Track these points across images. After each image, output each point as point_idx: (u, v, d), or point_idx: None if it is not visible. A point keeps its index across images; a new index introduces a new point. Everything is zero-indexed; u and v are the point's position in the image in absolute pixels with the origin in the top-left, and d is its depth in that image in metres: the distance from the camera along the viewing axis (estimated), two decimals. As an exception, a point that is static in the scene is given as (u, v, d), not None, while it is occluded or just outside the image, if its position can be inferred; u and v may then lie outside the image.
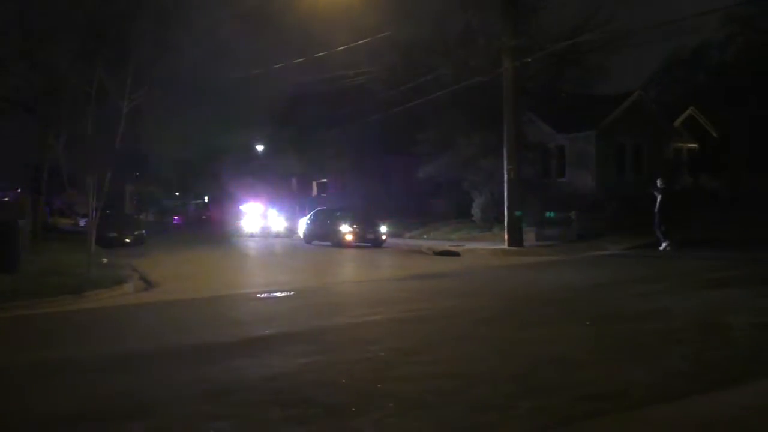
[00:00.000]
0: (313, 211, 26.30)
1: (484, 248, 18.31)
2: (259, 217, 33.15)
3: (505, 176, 17.97)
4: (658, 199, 16.84)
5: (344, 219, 22.93)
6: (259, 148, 46.04)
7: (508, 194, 17.88)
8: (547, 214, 19.99)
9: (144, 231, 26.35)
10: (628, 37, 20.72)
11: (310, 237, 24.72)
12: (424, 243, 21.49)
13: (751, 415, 4.20)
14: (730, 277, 10.81)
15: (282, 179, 43.72)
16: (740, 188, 24.47)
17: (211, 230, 40.03)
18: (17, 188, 35.77)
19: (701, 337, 6.35)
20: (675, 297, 9.02)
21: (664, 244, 16.54)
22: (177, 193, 67.86)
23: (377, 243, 21.95)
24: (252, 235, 31.33)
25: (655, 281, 10.76)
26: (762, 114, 24.49)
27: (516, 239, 17.74)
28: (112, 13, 16.69)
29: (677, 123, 29.26)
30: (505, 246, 17.71)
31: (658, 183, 17.32)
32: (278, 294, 10.64)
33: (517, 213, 19.61)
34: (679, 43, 33.80)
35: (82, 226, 28.26)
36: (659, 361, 5.48)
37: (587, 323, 7.23)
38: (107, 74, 15.31)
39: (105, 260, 14.59)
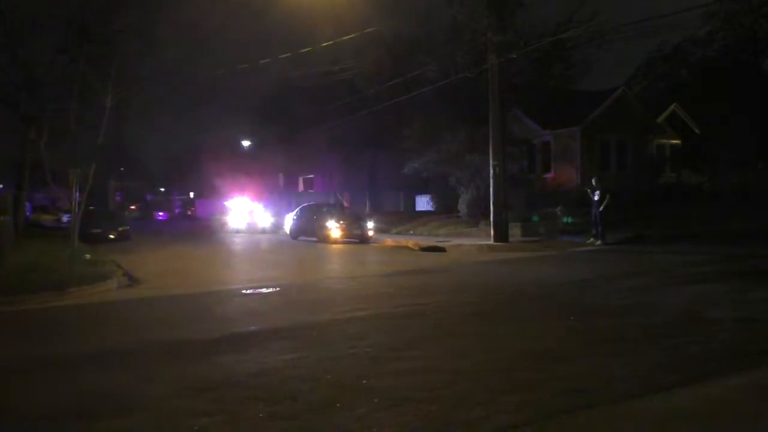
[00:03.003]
0: (300, 207, 26.21)
1: (470, 243, 18.36)
2: (245, 213, 32.99)
3: (491, 172, 18.02)
4: (606, 199, 17.17)
5: (330, 215, 22.90)
6: (246, 143, 45.87)
7: (493, 190, 17.94)
8: (565, 219, 20.05)
9: (128, 227, 26.14)
10: (611, 33, 20.88)
11: (296, 233, 24.66)
12: (411, 239, 21.51)
13: (733, 407, 4.27)
14: (711, 272, 10.95)
15: (268, 175, 43.58)
16: (722, 184, 24.77)
17: (196, 226, 39.80)
18: (-1, 184, 35.36)
19: (683, 331, 6.42)
20: (657, 292, 9.12)
21: (598, 241, 16.99)
22: (162, 189, 67.45)
23: (363, 239, 21.95)
24: (238, 231, 31.19)
25: (638, 276, 10.86)
26: (744, 110, 24.74)
27: (502, 235, 17.81)
28: (96, 8, 16.54)
29: (660, 119, 29.53)
30: (491, 241, 17.78)
31: (593, 182, 17.70)
32: (263, 290, 10.60)
33: (534, 218, 19.76)
34: (661, 39, 34.09)
35: (65, 223, 27.98)
36: (642, 355, 5.55)
37: (571, 318, 7.29)
38: (91, 69, 15.17)
39: (88, 256, 14.46)
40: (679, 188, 26.73)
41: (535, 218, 19.98)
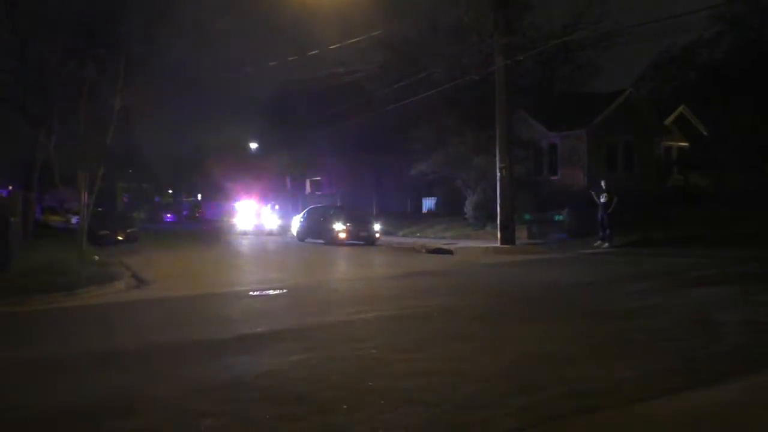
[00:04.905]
0: (306, 209, 26.29)
1: (476, 246, 18.36)
2: (253, 215, 33.10)
3: (498, 174, 18.01)
4: (614, 202, 17.11)
5: (337, 217, 22.94)
6: (253, 145, 46.00)
7: (500, 192, 17.93)
8: (556, 217, 20.13)
9: (136, 229, 26.25)
10: (618, 35, 20.85)
11: (303, 235, 24.72)
12: (417, 241, 21.53)
13: (739, 411, 4.26)
14: (718, 275, 10.91)
15: (275, 177, 43.67)
16: (730, 186, 24.62)
17: (204, 228, 39.95)
18: (8, 185, 35.60)
19: (690, 335, 6.41)
20: (664, 294, 9.09)
21: (605, 244, 16.92)
22: (170, 191, 67.67)
23: (370, 241, 21.97)
24: (245, 233, 31.30)
25: (644, 279, 10.83)
26: (752, 112, 24.61)
27: (508, 237, 17.79)
28: (104, 11, 16.64)
29: (668, 121, 29.40)
30: (498, 244, 17.76)
31: (602, 184, 17.67)
32: (270, 292, 10.64)
33: (527, 216, 19.78)
34: (669, 41, 33.92)
35: (73, 224, 28.10)
36: (648, 358, 5.54)
37: (577, 320, 7.28)
38: (99, 71, 15.29)
39: (97, 258, 14.55)
40: (687, 191, 26.58)
41: (527, 216, 19.96)
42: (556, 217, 20.14)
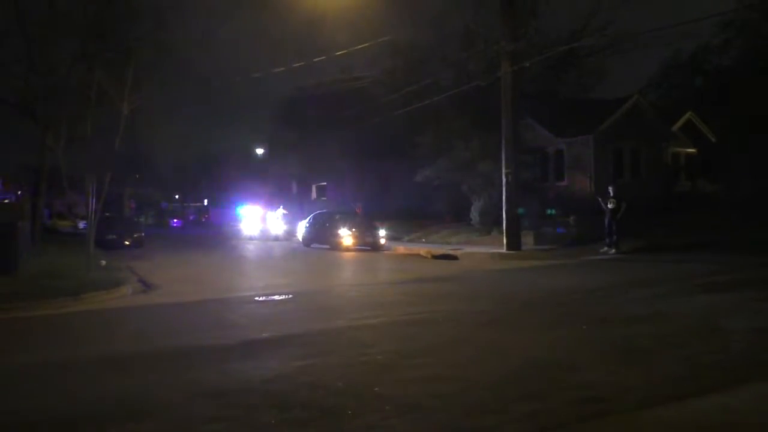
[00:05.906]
0: (312, 215, 26.31)
1: (482, 252, 18.32)
2: (259, 220, 33.14)
3: (504, 180, 17.99)
4: (622, 208, 17.12)
5: (343, 222, 22.95)
6: (259, 151, 46.16)
7: (506, 198, 17.91)
8: (548, 211, 20.23)
9: (143, 233, 26.37)
10: (626, 41, 20.84)
11: (308, 240, 24.73)
12: (423, 246, 21.50)
13: (747, 418, 4.23)
14: (725, 281, 10.84)
15: (281, 182, 43.76)
16: (737, 193, 24.52)
17: (210, 233, 40.04)
18: (17, 190, 35.83)
19: (697, 341, 6.37)
20: (671, 301, 9.04)
21: (612, 250, 17.06)
22: (176, 196, 67.93)
23: (376, 246, 21.96)
24: (251, 238, 31.34)
25: (651, 285, 10.78)
26: (759, 119, 24.51)
27: (514, 243, 17.75)
28: (113, 16, 16.76)
29: (675, 127, 29.30)
30: (504, 249, 17.73)
31: (610, 190, 17.65)
32: (276, 297, 10.64)
33: (520, 211, 19.68)
34: (677, 47, 33.86)
35: (81, 229, 28.25)
36: (656, 365, 5.51)
37: (584, 327, 7.25)
38: (107, 77, 15.37)
39: (104, 262, 14.60)
40: (694, 197, 26.48)
41: (521, 211, 19.87)
42: (548, 212, 20.21)
